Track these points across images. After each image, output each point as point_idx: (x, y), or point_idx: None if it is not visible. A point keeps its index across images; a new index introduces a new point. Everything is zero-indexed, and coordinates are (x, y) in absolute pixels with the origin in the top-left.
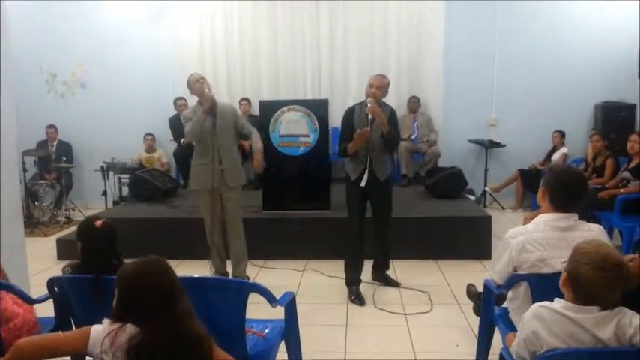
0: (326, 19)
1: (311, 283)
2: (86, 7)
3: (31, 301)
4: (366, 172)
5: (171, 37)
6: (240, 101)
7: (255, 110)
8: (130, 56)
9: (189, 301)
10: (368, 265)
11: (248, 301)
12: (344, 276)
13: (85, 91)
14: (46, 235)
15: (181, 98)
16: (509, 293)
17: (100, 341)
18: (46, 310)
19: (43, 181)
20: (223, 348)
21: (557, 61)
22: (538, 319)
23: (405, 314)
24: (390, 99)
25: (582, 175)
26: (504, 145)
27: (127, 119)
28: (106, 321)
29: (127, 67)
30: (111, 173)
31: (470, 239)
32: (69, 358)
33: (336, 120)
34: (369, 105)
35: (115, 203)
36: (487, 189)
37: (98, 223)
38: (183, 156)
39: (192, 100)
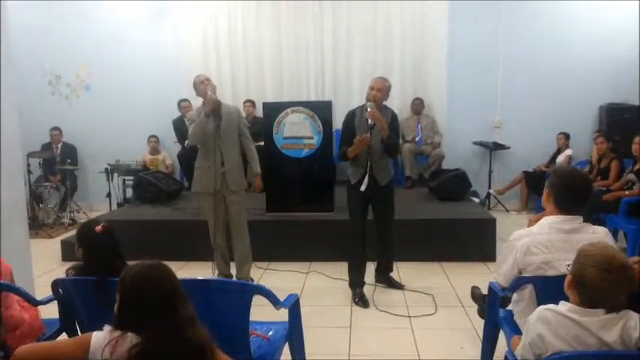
0: (330, 20)
1: (315, 285)
2: (89, 9)
3: (35, 303)
4: (366, 176)
5: (175, 39)
6: (244, 103)
7: (259, 112)
8: (134, 58)
9: (191, 307)
10: (372, 268)
11: (252, 303)
12: (348, 278)
13: (89, 94)
14: (50, 237)
15: (185, 100)
16: (514, 296)
17: (101, 349)
18: (51, 312)
19: (47, 183)
20: (227, 350)
21: (562, 63)
22: (543, 322)
23: (409, 317)
24: (393, 101)
25: (587, 177)
26: (509, 147)
27: (131, 121)
28: (106, 328)
29: (130, 69)
30: (115, 175)
31: (474, 241)
32: None
33: (339, 122)
34: (369, 109)
35: (119, 205)
36: (491, 191)
37: (98, 227)
38: (188, 158)
39: (197, 102)
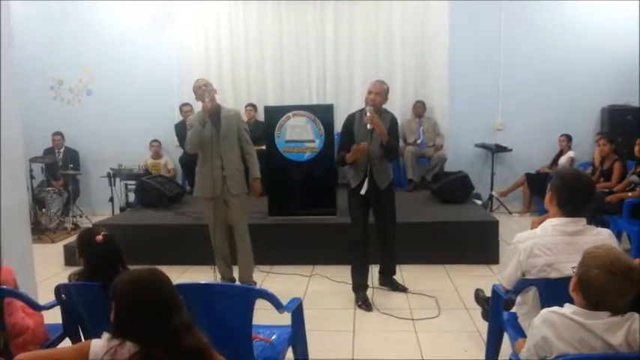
0: (331, 24)
1: (318, 289)
2: (90, 13)
3: (38, 308)
4: (366, 180)
5: (177, 43)
6: (245, 107)
7: (261, 116)
8: (136, 63)
9: (187, 313)
10: (375, 270)
11: (255, 307)
12: (351, 282)
13: (91, 98)
14: (53, 242)
15: (187, 104)
16: (518, 298)
17: (100, 358)
18: (54, 317)
19: (50, 188)
20: (230, 355)
21: (563, 65)
22: (548, 325)
23: (413, 320)
24: (395, 104)
25: (590, 179)
26: (511, 149)
27: (133, 125)
28: (105, 336)
29: (132, 74)
30: (117, 180)
31: (477, 244)
32: None
33: (341, 125)
34: (367, 114)
35: (122, 209)
36: (494, 193)
37: (98, 237)
38: (189, 162)
39: (198, 106)
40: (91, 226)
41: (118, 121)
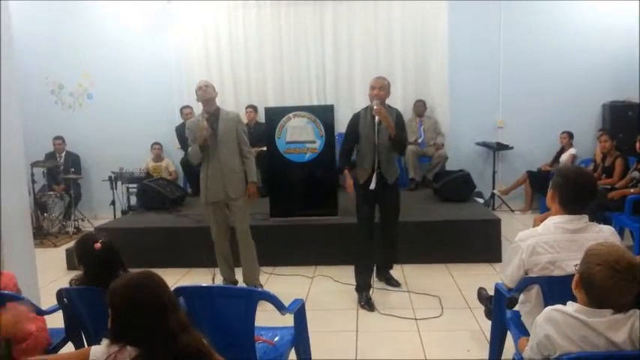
0: (330, 25)
1: (320, 290)
2: (91, 18)
3: (40, 313)
4: (374, 174)
5: (177, 46)
6: (246, 108)
7: (261, 117)
8: (136, 66)
9: (183, 314)
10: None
11: (257, 308)
12: (354, 282)
13: (92, 102)
14: (55, 246)
15: (187, 107)
16: (521, 297)
17: None
18: (57, 321)
19: (51, 192)
20: (233, 357)
21: (564, 62)
22: (551, 323)
23: (416, 319)
24: (396, 103)
25: (592, 176)
26: (512, 147)
27: (134, 129)
28: (104, 342)
29: (132, 77)
30: (119, 183)
31: (480, 242)
32: None
33: (341, 126)
34: (375, 107)
35: (124, 213)
36: (496, 191)
37: (97, 245)
38: (191, 164)
39: (199, 109)
40: (92, 229)
41: (119, 125)
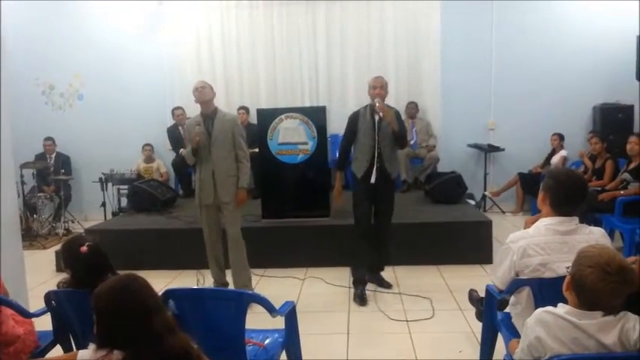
0: (323, 26)
1: (312, 292)
2: (82, 18)
3: (28, 316)
4: (374, 168)
5: (168, 46)
6: (238, 110)
7: (253, 118)
8: (127, 67)
9: (169, 315)
10: None
11: (248, 311)
12: (345, 284)
13: (82, 103)
14: (44, 248)
15: (179, 108)
16: (512, 298)
17: None
18: (45, 323)
19: (41, 194)
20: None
21: (555, 64)
22: (542, 325)
23: (407, 321)
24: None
25: (582, 178)
26: (503, 149)
27: (125, 130)
28: (91, 346)
29: (124, 78)
30: (109, 184)
31: (471, 244)
32: None
33: (334, 127)
34: (377, 105)
35: (114, 214)
36: (487, 193)
37: (83, 248)
38: (182, 166)
39: (190, 111)
40: (82, 231)
41: (110, 126)
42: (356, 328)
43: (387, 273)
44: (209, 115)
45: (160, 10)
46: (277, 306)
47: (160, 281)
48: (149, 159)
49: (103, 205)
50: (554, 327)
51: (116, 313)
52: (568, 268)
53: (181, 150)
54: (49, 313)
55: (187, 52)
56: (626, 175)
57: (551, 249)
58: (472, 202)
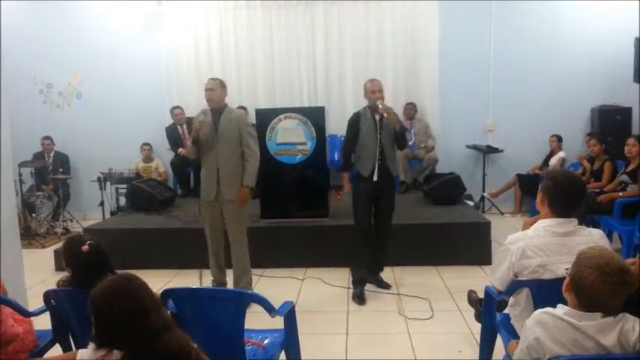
0: (321, 27)
1: (311, 292)
2: (80, 17)
3: (27, 315)
4: (377, 166)
5: (167, 46)
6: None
7: (252, 118)
8: (126, 66)
9: (166, 313)
10: None
11: (247, 311)
12: (344, 284)
13: (81, 102)
14: (43, 247)
15: (177, 107)
16: (511, 300)
17: None
18: (44, 322)
19: (40, 193)
20: (222, 359)
21: (553, 66)
22: (541, 326)
23: (406, 321)
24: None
25: (581, 180)
26: (502, 150)
27: (124, 129)
28: (90, 346)
29: (122, 77)
30: (108, 183)
31: (469, 245)
32: None
33: (332, 127)
34: (380, 106)
35: (113, 213)
36: (486, 194)
37: (84, 247)
38: (181, 165)
39: (189, 110)
40: (81, 230)
41: (109, 125)
42: (355, 328)
43: (386, 273)
44: (217, 110)
45: (158, 9)
46: (276, 306)
47: (159, 281)
48: (148, 158)
49: (102, 204)
50: (553, 328)
51: (113, 315)
52: (567, 269)
53: (180, 149)
54: (47, 312)
55: (186, 52)
56: (625, 177)
57: (550, 250)
58: (471, 203)
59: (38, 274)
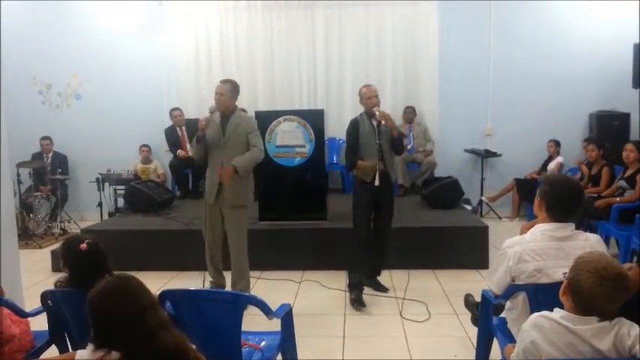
0: (321, 30)
1: (308, 294)
2: (79, 18)
3: (23, 315)
4: (378, 171)
5: (167, 48)
6: None
7: None
8: (125, 67)
9: (163, 313)
10: None
11: (244, 313)
12: (341, 287)
13: (80, 103)
14: (40, 248)
15: (177, 109)
16: (507, 303)
17: None
18: (41, 323)
19: (38, 193)
20: None
21: (552, 71)
22: (537, 329)
23: (403, 324)
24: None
25: (578, 185)
26: (500, 155)
27: (123, 130)
28: (89, 346)
29: (122, 78)
30: (106, 184)
31: (467, 249)
32: None
33: (331, 130)
34: (377, 113)
35: (111, 215)
36: (483, 198)
37: (83, 245)
38: (179, 167)
39: (188, 112)
40: (79, 231)
41: (108, 126)
42: (352, 331)
43: (384, 277)
44: (226, 114)
45: (158, 10)
46: (274, 308)
47: (157, 282)
48: (146, 160)
49: (100, 205)
50: (550, 331)
51: (110, 317)
52: (565, 273)
53: (179, 151)
54: (44, 313)
55: (186, 54)
56: (622, 183)
57: (547, 255)
58: (469, 207)
59: (35, 275)
